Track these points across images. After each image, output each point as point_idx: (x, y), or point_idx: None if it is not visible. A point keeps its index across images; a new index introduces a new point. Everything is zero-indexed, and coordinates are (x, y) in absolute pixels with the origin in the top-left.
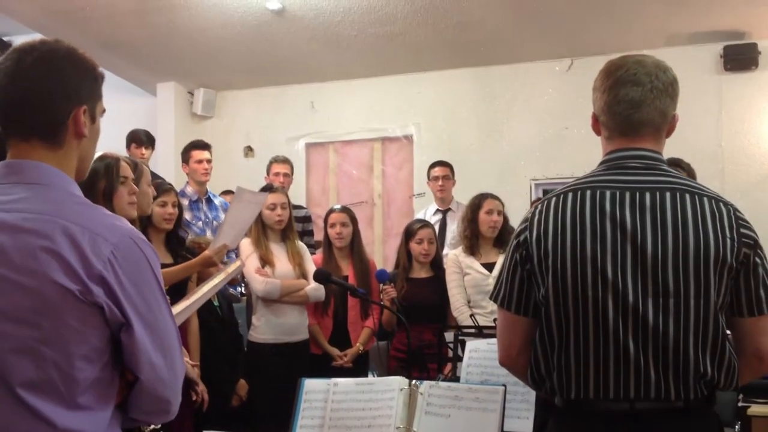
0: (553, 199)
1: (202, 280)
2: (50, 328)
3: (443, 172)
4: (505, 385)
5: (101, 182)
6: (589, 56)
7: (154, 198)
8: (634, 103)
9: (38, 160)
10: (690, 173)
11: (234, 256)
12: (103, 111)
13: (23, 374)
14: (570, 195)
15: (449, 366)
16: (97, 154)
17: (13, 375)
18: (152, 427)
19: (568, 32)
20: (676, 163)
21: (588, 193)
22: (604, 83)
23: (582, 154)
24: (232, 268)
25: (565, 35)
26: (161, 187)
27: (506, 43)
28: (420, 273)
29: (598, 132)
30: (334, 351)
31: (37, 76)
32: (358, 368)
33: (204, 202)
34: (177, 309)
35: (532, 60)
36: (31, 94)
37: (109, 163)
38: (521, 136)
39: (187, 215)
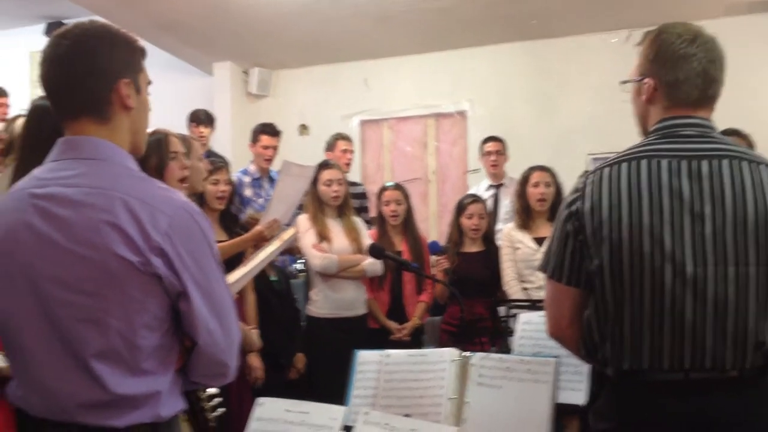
0: (606, 169)
1: None
2: (114, 299)
3: (496, 147)
4: (557, 357)
5: (152, 158)
6: (647, 27)
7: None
8: (709, 78)
9: (92, 136)
10: (749, 144)
11: None
12: (149, 83)
13: (92, 343)
14: (624, 165)
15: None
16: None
17: (83, 344)
18: (210, 392)
19: (624, 3)
20: (735, 133)
21: (644, 162)
22: (675, 54)
23: None
24: (287, 236)
25: (620, 6)
26: (214, 164)
27: (559, 15)
28: (471, 247)
29: (651, 101)
30: (393, 324)
31: (73, 58)
32: (414, 342)
33: (266, 179)
34: (233, 277)
35: (586, 32)
36: (69, 76)
37: (160, 138)
38: (576, 110)
39: (248, 192)
